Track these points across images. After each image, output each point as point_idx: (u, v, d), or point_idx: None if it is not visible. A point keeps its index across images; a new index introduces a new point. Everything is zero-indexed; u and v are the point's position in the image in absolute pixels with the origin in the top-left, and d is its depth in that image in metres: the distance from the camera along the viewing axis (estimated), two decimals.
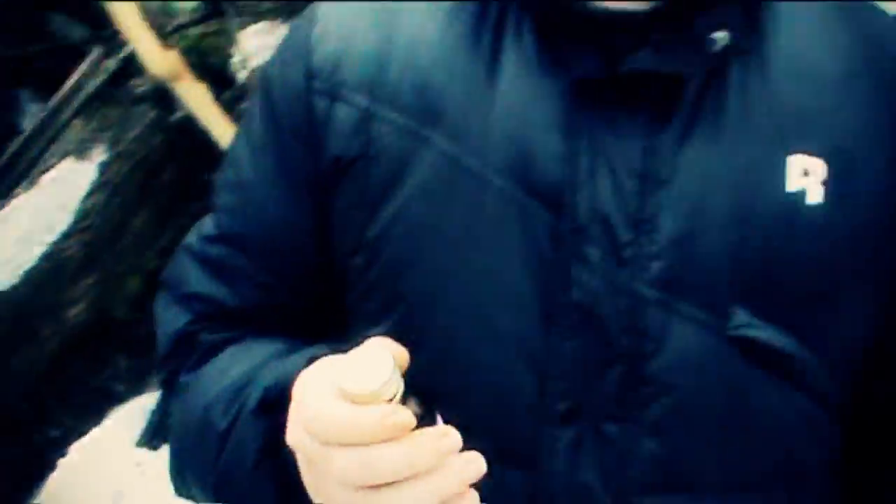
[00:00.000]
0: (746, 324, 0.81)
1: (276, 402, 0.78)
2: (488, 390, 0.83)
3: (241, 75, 3.08)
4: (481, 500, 0.68)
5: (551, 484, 0.81)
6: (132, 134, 3.07)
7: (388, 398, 0.66)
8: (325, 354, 0.76)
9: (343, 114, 0.87)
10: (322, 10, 0.91)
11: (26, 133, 2.97)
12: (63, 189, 2.91)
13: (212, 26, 3.30)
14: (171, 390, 0.96)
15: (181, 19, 3.35)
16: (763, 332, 0.81)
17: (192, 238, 0.97)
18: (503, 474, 0.79)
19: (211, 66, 3.10)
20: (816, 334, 0.83)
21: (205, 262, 0.95)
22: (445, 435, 0.67)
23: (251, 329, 0.93)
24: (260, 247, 0.93)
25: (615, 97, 0.81)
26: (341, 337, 0.89)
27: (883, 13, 0.91)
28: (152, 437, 2.80)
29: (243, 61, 3.12)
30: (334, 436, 0.67)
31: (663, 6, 0.81)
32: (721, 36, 0.81)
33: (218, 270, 0.94)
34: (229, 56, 3.15)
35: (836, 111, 0.84)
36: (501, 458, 0.76)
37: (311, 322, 0.94)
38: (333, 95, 0.87)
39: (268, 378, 0.81)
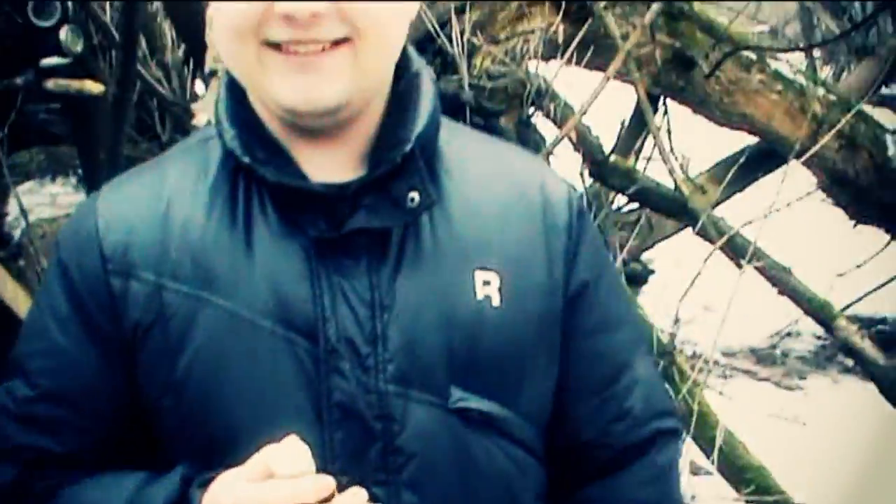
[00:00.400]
0: (463, 398, 1.10)
1: None
2: None
3: (17, 233, 3.18)
4: None
5: None
6: None
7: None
8: (191, 474, 1.05)
9: (137, 289, 1.08)
10: (100, 205, 1.13)
11: None
12: None
13: None
14: None
15: None
16: (476, 403, 1.11)
17: (4, 402, 1.12)
18: None
19: None
20: (515, 398, 1.13)
21: (26, 420, 1.11)
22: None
23: (81, 469, 1.12)
24: (79, 399, 1.11)
25: (342, 249, 1.08)
26: (159, 462, 1.12)
27: (523, 156, 1.24)
28: None
29: (16, 220, 3.22)
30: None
31: (368, 177, 1.08)
32: (414, 195, 1.08)
33: (41, 425, 1.11)
34: (4, 215, 3.24)
35: (501, 235, 1.14)
36: None
37: (128, 454, 1.15)
38: (127, 275, 1.09)
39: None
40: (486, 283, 1.12)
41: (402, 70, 1.12)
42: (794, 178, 3.64)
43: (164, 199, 1.11)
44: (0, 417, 1.12)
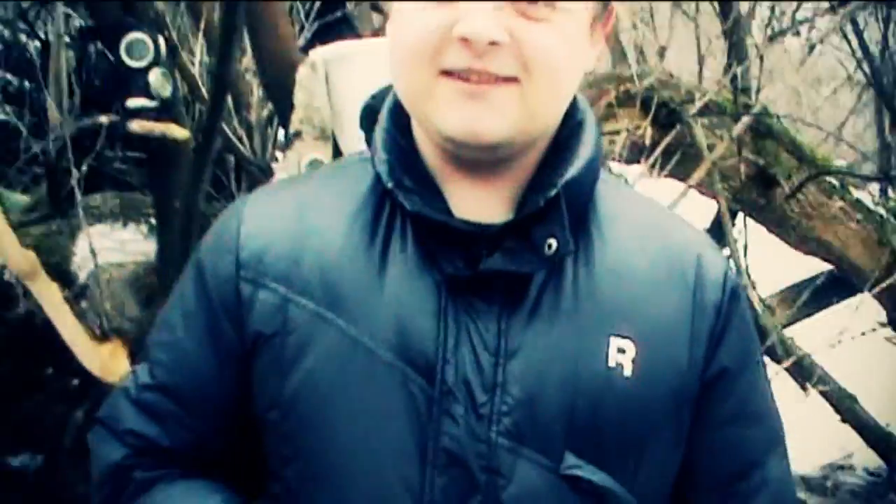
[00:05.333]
0: (576, 465, 1.05)
1: None
2: None
3: (83, 274, 3.19)
4: None
5: None
6: None
7: None
8: None
9: (264, 298, 1.09)
10: (247, 211, 1.14)
11: None
12: None
13: (52, 225, 3.39)
14: None
15: (21, 216, 3.43)
16: (588, 473, 1.06)
17: (128, 383, 1.16)
18: None
19: (51, 265, 3.17)
20: (630, 475, 1.08)
21: (140, 405, 1.14)
22: None
23: (180, 468, 1.14)
24: (191, 397, 1.13)
25: (476, 290, 1.06)
26: (258, 476, 1.12)
27: (683, 225, 1.18)
28: None
29: (84, 260, 3.22)
30: None
31: (511, 221, 1.07)
32: (551, 242, 1.05)
33: (153, 414, 1.14)
34: (70, 255, 3.25)
35: (645, 303, 1.09)
36: None
37: (231, 463, 1.15)
38: (257, 284, 1.10)
39: None
40: (621, 350, 1.08)
41: (567, 117, 1.11)
42: (863, 308, 3.58)
43: (307, 215, 1.12)
44: (122, 397, 1.16)
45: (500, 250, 1.06)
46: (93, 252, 2.96)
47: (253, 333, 1.10)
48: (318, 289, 1.08)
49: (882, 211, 3.70)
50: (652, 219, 1.16)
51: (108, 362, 3.20)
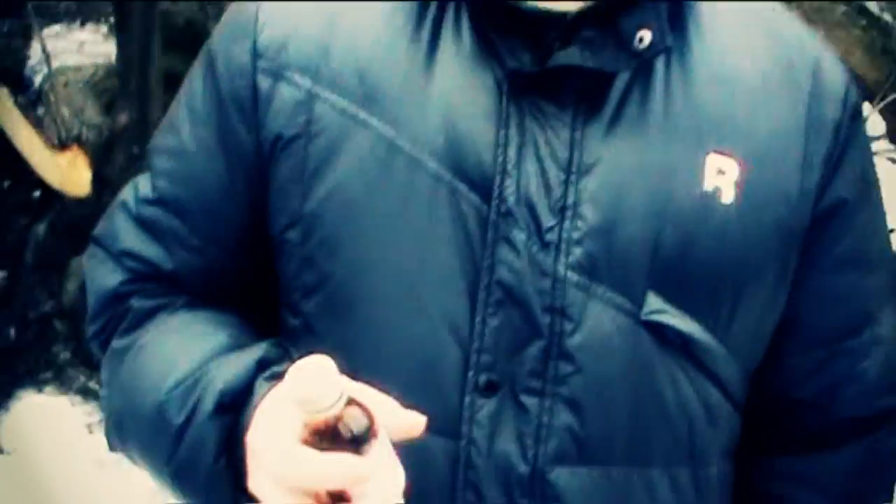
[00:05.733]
0: (659, 310, 0.88)
1: (230, 406, 0.84)
2: (414, 362, 0.88)
3: (38, 78, 3.02)
4: (406, 467, 0.76)
5: (472, 452, 0.87)
6: None
7: (337, 411, 0.73)
8: (271, 358, 0.85)
9: (286, 94, 0.91)
10: None
11: None
12: None
13: (3, 26, 3.20)
14: (102, 351, 0.99)
15: None
16: (674, 319, 0.88)
17: (127, 196, 0.99)
18: (428, 441, 0.84)
19: (6, 69, 3.00)
20: (722, 324, 0.90)
21: (141, 222, 0.97)
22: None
23: (183, 296, 0.97)
24: (196, 212, 0.96)
25: (545, 91, 0.87)
26: (272, 310, 0.96)
27: (796, 22, 1.00)
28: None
29: (38, 64, 3.05)
30: (301, 483, 0.75)
31: (591, 8, 0.87)
32: (644, 35, 0.86)
33: (154, 232, 0.97)
34: (24, 58, 3.08)
35: (752, 116, 0.91)
36: (426, 426, 0.81)
37: (242, 293, 0.98)
38: (277, 76, 0.92)
39: (219, 380, 0.86)
40: (721, 171, 0.90)
41: None
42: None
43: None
44: (120, 213, 0.99)
45: (576, 42, 0.87)
46: (47, 55, 2.78)
47: (271, 136, 0.93)
48: (350, 83, 0.91)
49: (888, 17, 3.52)
50: (762, 17, 0.97)
51: (67, 172, 3.06)
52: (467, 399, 0.87)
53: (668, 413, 0.91)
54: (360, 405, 0.74)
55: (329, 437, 0.73)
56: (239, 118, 0.93)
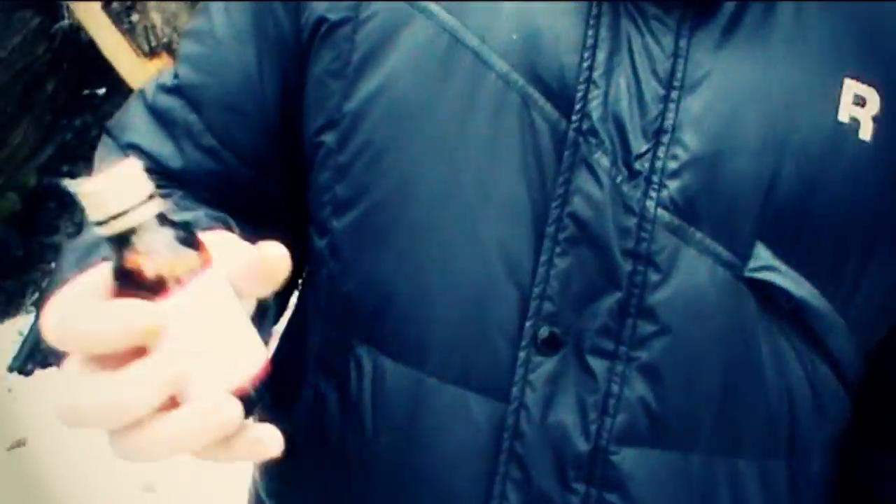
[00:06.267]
0: (768, 266, 0.72)
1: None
2: (460, 301, 0.73)
3: None
4: (438, 428, 0.65)
5: (521, 419, 0.73)
6: (13, 42, 2.91)
7: (133, 222, 0.49)
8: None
9: None
10: None
11: None
12: None
13: None
14: None
15: None
16: (785, 279, 0.72)
17: (148, 85, 0.87)
18: (467, 399, 0.71)
19: None
20: (843, 290, 0.74)
21: (154, 112, 0.85)
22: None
23: (186, 192, 0.83)
24: (215, 106, 0.83)
25: None
26: (296, 228, 0.82)
27: None
28: (25, 361, 2.67)
29: None
30: (72, 347, 0.51)
31: None
32: None
33: (166, 123, 0.84)
34: None
35: None
36: (467, 381, 0.69)
37: (260, 206, 0.84)
38: None
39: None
40: (860, 101, 0.72)
41: None
42: None
43: None
44: (136, 101, 0.87)
45: None
46: None
47: (313, 18, 0.79)
48: None
49: None
50: None
51: None
52: (522, 354, 0.72)
53: (766, 392, 0.74)
54: (175, 224, 0.51)
55: (124, 276, 0.50)
56: None
